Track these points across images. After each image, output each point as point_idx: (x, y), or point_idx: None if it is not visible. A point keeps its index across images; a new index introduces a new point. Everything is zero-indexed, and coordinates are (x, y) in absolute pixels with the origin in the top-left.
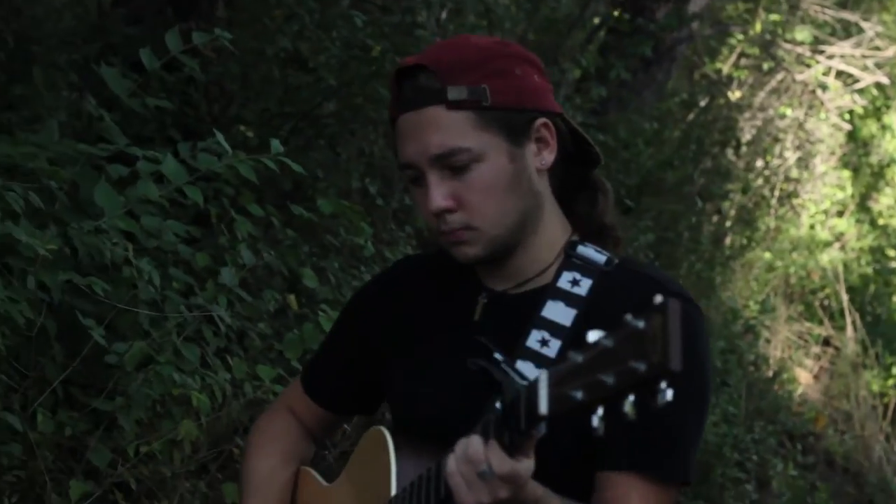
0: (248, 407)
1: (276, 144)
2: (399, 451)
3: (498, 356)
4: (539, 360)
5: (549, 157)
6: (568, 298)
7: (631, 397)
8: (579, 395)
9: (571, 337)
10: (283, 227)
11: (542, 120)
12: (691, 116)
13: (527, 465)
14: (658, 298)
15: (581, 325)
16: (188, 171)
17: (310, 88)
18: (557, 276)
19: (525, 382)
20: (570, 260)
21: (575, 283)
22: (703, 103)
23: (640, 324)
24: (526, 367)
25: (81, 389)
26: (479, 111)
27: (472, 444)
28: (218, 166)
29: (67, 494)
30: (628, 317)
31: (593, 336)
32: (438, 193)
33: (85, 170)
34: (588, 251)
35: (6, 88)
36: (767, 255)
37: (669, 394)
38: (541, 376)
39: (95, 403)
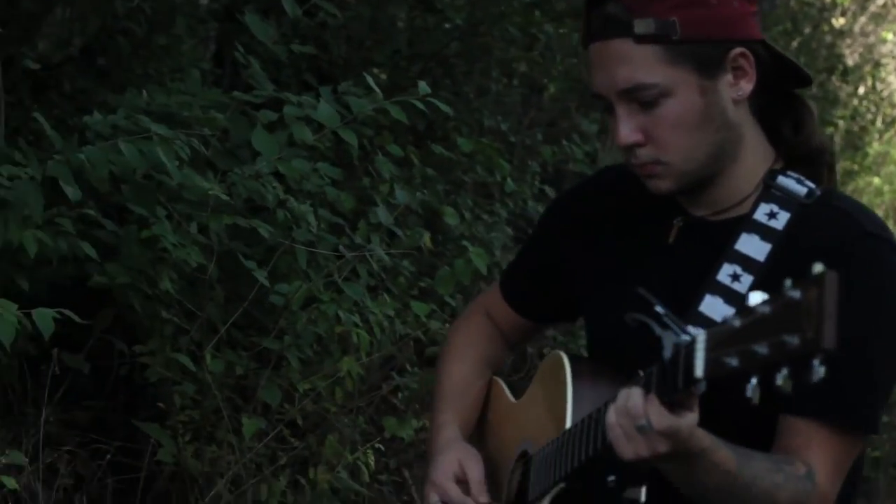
0: (401, 344)
1: (423, 86)
2: (576, 380)
3: (659, 309)
4: (729, 295)
5: (746, 86)
6: (763, 232)
7: (785, 370)
8: (734, 362)
9: (765, 273)
10: (423, 166)
11: (738, 49)
12: (794, 44)
13: (689, 419)
14: (817, 268)
15: (775, 260)
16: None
17: (437, 30)
18: (755, 207)
19: (686, 339)
20: (769, 191)
21: (772, 215)
22: (807, 31)
23: (797, 294)
24: (715, 303)
25: (240, 330)
26: (668, 45)
27: (633, 397)
28: (369, 109)
29: (239, 432)
30: (787, 283)
31: (754, 299)
32: (627, 127)
33: (235, 116)
34: (788, 182)
35: (149, 39)
36: (876, 180)
37: (822, 371)
38: (699, 337)
39: (266, 343)
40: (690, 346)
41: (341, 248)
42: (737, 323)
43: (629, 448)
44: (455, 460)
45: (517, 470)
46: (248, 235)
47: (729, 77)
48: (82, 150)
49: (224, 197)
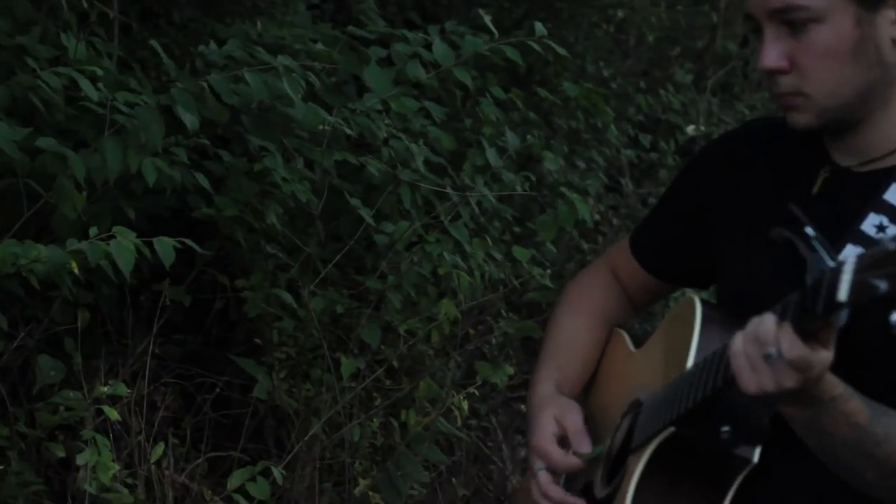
0: (497, 290)
1: (539, 27)
2: (706, 325)
3: (809, 231)
4: (872, 245)
5: None
6: None
7: None
8: (883, 285)
9: None
10: (527, 109)
11: None
12: None
13: (822, 356)
14: None
15: None
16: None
17: None
18: None
19: (833, 264)
20: None
21: None
22: None
23: None
24: (855, 253)
25: (338, 269)
26: None
27: (764, 323)
28: (484, 49)
29: (334, 370)
30: None
31: None
32: (772, 51)
33: (344, 51)
34: None
35: None
36: None
37: None
38: (849, 259)
39: (369, 283)
40: (837, 269)
41: (448, 188)
42: (892, 246)
43: (752, 380)
44: (551, 418)
45: (626, 417)
46: (351, 173)
47: (891, 14)
48: (206, 78)
49: (348, 131)
